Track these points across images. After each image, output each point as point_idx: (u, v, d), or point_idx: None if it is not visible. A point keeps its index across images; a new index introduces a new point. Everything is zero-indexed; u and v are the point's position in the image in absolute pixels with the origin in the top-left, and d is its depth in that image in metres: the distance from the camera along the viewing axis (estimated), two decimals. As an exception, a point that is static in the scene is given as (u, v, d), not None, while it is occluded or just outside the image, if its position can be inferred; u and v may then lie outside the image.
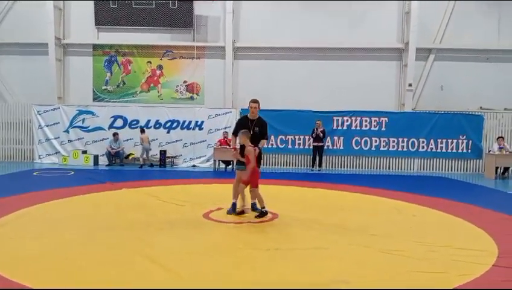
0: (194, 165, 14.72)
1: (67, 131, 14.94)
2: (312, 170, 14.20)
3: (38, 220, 6.39)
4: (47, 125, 14.93)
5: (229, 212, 6.87)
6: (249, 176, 6.59)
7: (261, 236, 5.75)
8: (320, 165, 14.36)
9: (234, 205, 6.98)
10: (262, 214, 6.62)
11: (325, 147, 14.57)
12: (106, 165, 14.41)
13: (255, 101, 7.03)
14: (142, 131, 14.49)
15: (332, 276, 4.24)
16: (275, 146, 14.64)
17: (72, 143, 14.91)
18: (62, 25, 15.70)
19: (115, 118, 14.92)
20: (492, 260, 4.77)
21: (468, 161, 14.76)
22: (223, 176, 12.00)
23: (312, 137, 14.29)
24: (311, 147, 14.43)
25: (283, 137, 14.72)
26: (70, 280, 3.99)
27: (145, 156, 14.39)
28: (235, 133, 7.18)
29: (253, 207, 7.07)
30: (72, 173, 12.07)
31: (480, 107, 15.01)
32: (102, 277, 4.08)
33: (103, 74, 15.82)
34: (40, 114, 14.92)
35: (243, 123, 7.10)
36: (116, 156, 14.58)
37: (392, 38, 15.35)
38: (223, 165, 14.13)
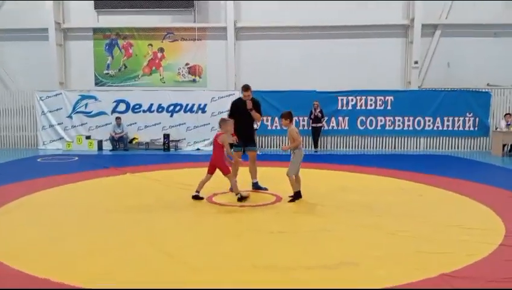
0: (197, 149, 14.66)
1: (70, 116, 14.89)
2: (316, 151, 14.10)
3: (41, 206, 6.36)
4: (50, 111, 14.88)
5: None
6: (221, 163, 6.57)
7: (265, 219, 5.69)
8: (316, 146, 14.26)
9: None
10: (241, 198, 6.53)
11: (329, 128, 14.45)
12: (110, 150, 14.39)
13: (246, 89, 7.16)
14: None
15: (340, 258, 4.17)
16: (278, 128, 14.50)
17: (76, 128, 14.88)
18: (61, 9, 15.51)
19: (118, 102, 14.83)
20: (499, 239, 4.71)
21: (475, 139, 14.58)
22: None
23: (311, 118, 14.15)
24: (311, 128, 14.30)
25: (287, 118, 14.56)
26: (71, 267, 3.95)
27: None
28: (232, 116, 7.24)
29: (255, 186, 7.37)
30: (76, 158, 12.05)
31: (488, 84, 14.75)
32: (102, 263, 4.05)
33: (104, 58, 15.67)
34: (42, 100, 14.85)
35: (238, 104, 7.28)
36: (119, 141, 14.53)
37: (397, 15, 15.01)
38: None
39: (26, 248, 4.50)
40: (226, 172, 6.59)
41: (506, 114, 13.68)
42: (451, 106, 14.27)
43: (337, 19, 14.83)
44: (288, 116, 6.58)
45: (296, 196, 6.59)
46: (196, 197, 6.64)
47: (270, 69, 14.94)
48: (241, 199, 6.47)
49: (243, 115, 7.10)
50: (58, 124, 14.90)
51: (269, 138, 14.89)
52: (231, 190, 7.10)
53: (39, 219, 5.65)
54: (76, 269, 3.91)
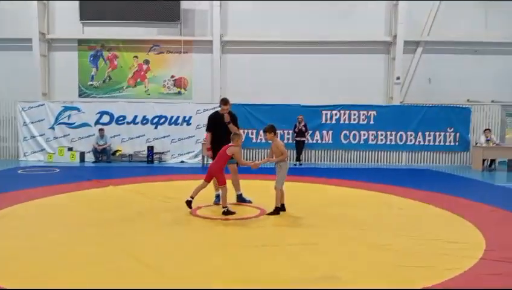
0: (182, 161, 14.60)
1: (52, 128, 14.71)
2: (301, 164, 14.17)
3: (21, 219, 6.23)
4: (32, 122, 14.68)
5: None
6: (219, 174, 6.56)
7: (248, 233, 5.68)
8: (299, 159, 14.36)
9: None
10: (228, 212, 6.46)
11: (314, 141, 14.59)
12: (93, 162, 14.22)
13: (225, 103, 7.17)
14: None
15: (323, 272, 4.18)
16: (263, 141, 14.53)
17: (58, 140, 14.69)
18: (46, 20, 15.41)
19: (101, 113, 14.72)
20: (480, 253, 4.76)
21: (456, 154, 14.86)
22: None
23: (295, 132, 14.26)
24: (294, 141, 14.38)
25: (272, 131, 14.63)
26: (51, 280, 3.88)
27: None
28: (209, 130, 7.26)
29: (239, 198, 7.31)
30: (58, 170, 11.87)
31: (468, 100, 15.09)
32: (84, 276, 3.98)
33: (89, 69, 15.57)
34: (24, 111, 14.65)
35: (216, 118, 7.27)
36: (102, 153, 14.38)
37: (380, 32, 15.33)
38: (211, 161, 13.98)
39: (5, 261, 4.40)
40: (221, 183, 6.56)
41: (485, 129, 13.98)
42: (433, 121, 14.55)
43: (321, 35, 15.07)
44: (272, 129, 6.59)
45: (277, 210, 6.58)
46: (188, 203, 6.57)
47: (255, 82, 15.06)
48: (227, 213, 6.43)
49: (221, 129, 7.09)
50: (40, 135, 14.70)
51: (254, 151, 14.92)
52: (216, 203, 7.09)
53: (19, 232, 5.52)
54: (54, 280, 3.84)
